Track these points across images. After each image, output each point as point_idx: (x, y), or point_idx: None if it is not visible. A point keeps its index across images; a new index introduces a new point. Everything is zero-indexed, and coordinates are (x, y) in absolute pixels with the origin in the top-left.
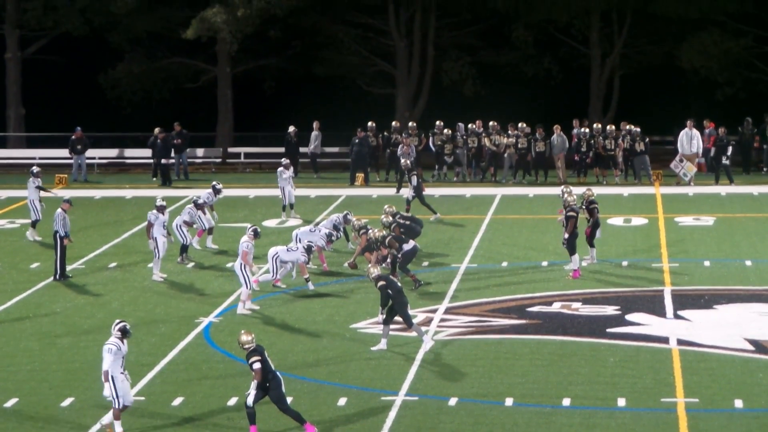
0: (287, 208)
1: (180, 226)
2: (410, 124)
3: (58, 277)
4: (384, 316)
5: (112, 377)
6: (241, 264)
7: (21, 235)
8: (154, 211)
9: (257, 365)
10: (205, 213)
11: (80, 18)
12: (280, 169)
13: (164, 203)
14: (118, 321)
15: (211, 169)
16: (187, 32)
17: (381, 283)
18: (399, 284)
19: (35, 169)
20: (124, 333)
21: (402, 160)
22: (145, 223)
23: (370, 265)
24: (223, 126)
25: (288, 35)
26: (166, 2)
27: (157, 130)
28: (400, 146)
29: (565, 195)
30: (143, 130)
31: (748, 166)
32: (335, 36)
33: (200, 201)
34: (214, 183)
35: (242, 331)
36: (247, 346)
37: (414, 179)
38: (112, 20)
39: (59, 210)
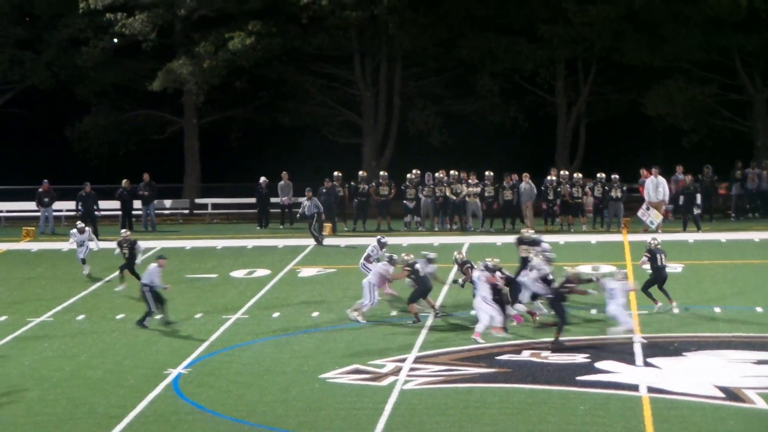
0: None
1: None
2: (381, 173)
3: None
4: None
5: None
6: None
7: None
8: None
9: None
10: None
11: (47, 71)
12: (74, 231)
13: None
14: None
15: (178, 220)
16: (154, 84)
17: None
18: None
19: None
20: None
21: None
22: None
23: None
24: (190, 177)
25: (254, 86)
26: (132, 54)
27: (124, 181)
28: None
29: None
30: (110, 182)
31: (711, 213)
32: (301, 86)
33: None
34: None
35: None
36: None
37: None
38: (78, 73)
39: (155, 265)
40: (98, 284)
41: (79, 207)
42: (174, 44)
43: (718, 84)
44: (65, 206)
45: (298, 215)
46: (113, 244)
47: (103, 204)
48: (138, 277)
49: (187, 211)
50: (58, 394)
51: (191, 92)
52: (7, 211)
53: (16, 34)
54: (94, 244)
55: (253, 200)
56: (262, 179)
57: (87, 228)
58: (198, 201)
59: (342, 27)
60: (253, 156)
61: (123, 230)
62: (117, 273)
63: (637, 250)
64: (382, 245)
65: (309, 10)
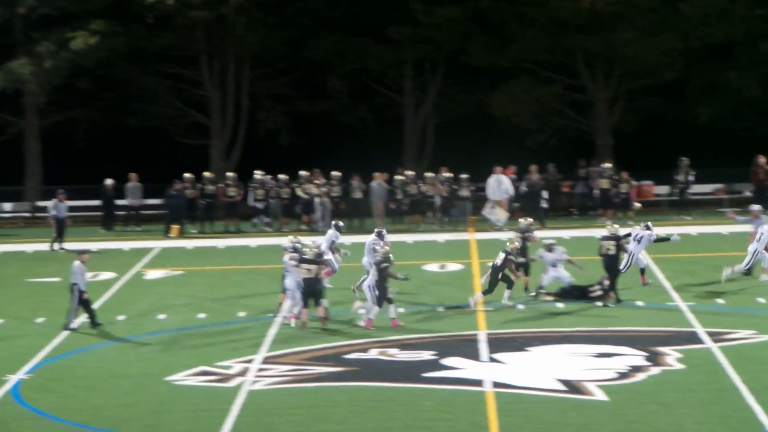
0: None
1: None
2: (229, 174)
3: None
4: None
5: None
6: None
7: None
8: None
9: None
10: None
11: None
12: None
13: None
14: None
15: (19, 224)
16: None
17: None
18: None
19: None
20: None
21: None
22: None
23: None
24: (31, 179)
25: (99, 87)
26: None
27: None
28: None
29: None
30: None
31: (555, 211)
32: (147, 87)
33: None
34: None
35: None
36: None
37: None
38: None
39: (78, 262)
40: None
41: None
42: (14, 43)
43: (561, 85)
44: None
45: (49, 219)
46: None
47: None
48: None
49: (28, 215)
50: None
51: (32, 93)
52: None
53: None
54: None
55: (98, 202)
56: (109, 181)
57: None
58: (39, 204)
59: (189, 27)
60: (99, 158)
61: None
62: None
63: (484, 248)
64: (381, 236)
65: (154, 9)
